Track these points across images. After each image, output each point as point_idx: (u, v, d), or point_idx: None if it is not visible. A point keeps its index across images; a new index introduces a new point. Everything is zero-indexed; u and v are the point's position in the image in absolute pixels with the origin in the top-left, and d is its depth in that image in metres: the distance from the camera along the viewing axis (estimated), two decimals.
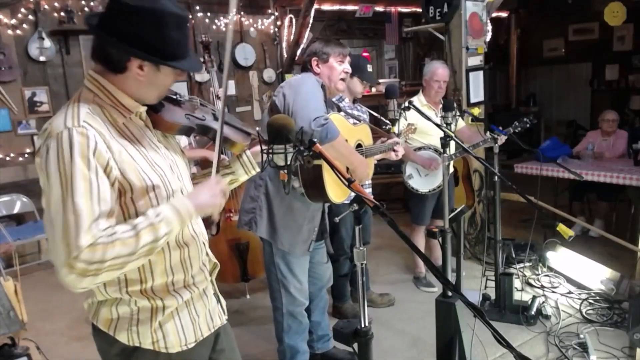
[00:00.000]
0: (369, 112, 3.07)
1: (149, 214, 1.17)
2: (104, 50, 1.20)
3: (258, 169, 1.57)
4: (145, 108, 1.30)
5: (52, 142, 1.11)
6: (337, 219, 1.82)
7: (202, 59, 3.76)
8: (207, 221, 1.47)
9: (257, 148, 1.51)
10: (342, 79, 2.41)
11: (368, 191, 3.33)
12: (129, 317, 1.27)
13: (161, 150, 1.33)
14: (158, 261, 1.27)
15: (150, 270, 1.27)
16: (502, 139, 3.19)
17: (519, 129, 3.30)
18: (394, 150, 2.62)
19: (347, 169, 2.37)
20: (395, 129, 2.60)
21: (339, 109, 2.61)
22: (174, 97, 1.41)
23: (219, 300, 1.51)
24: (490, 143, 3.27)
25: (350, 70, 2.44)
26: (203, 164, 3.42)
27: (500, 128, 3.22)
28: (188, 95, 1.46)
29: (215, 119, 1.47)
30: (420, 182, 3.54)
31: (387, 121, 2.51)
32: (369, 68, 3.15)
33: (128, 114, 1.24)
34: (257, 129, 1.58)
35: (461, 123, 3.70)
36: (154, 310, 1.29)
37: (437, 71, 3.53)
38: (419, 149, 3.52)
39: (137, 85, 1.23)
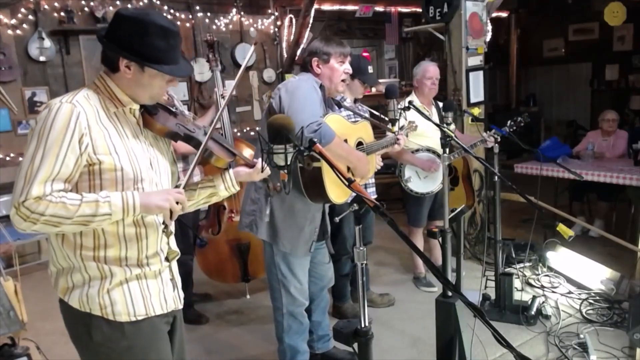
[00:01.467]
0: (370, 112, 3.06)
1: (100, 193, 1.34)
2: (104, 52, 1.44)
3: (238, 188, 1.68)
4: (138, 106, 1.48)
5: (45, 111, 1.33)
6: (337, 219, 1.82)
7: (206, 58, 3.77)
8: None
9: (240, 169, 1.64)
10: (343, 80, 2.40)
11: (371, 191, 3.33)
12: (81, 285, 1.42)
13: (144, 145, 1.49)
14: (109, 231, 1.40)
15: (104, 237, 1.40)
16: (492, 140, 3.20)
17: (514, 127, 3.31)
18: (396, 141, 2.62)
19: (348, 168, 2.37)
20: (395, 129, 2.60)
21: (340, 106, 2.60)
22: (172, 108, 1.57)
23: (175, 287, 1.59)
24: (487, 144, 3.27)
25: (351, 71, 2.43)
26: (203, 163, 3.43)
27: (500, 128, 3.22)
28: (188, 111, 1.59)
29: (205, 133, 1.58)
30: (420, 184, 3.54)
31: (388, 119, 2.50)
32: (370, 69, 3.13)
33: (120, 106, 1.44)
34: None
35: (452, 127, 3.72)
36: (103, 278, 1.41)
37: (429, 68, 3.55)
38: (416, 151, 3.52)
39: (128, 84, 1.43)
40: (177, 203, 1.38)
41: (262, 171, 1.59)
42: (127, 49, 1.37)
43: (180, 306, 1.63)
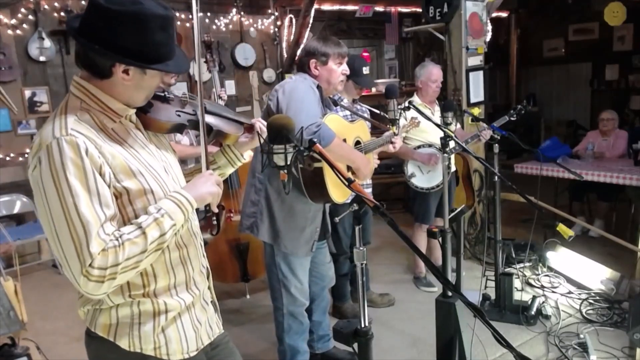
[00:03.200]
0: (370, 110, 3.06)
1: (150, 210, 1.17)
2: (87, 57, 1.18)
3: (243, 160, 1.59)
4: (134, 110, 1.29)
5: (43, 154, 1.10)
6: (337, 219, 1.82)
7: (203, 59, 3.75)
8: (209, 222, 1.47)
9: (241, 139, 1.54)
10: (341, 80, 2.39)
11: (368, 191, 3.33)
12: (129, 321, 1.25)
13: (154, 152, 1.32)
14: (158, 262, 1.25)
15: (152, 272, 1.25)
16: (489, 132, 3.20)
17: (514, 117, 3.32)
18: (391, 143, 2.63)
19: (349, 168, 2.37)
20: (395, 129, 2.60)
21: (335, 104, 2.60)
22: (162, 94, 1.39)
23: (216, 309, 1.51)
24: (480, 139, 3.27)
25: (348, 72, 2.41)
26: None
27: (497, 125, 3.21)
28: (188, 92, 1.46)
29: (207, 111, 1.46)
30: (424, 180, 3.55)
31: (388, 119, 2.50)
32: (366, 70, 3.09)
33: (117, 118, 1.23)
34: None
35: (457, 126, 3.72)
36: (156, 314, 1.27)
37: (433, 71, 3.59)
38: (418, 147, 3.53)
39: (124, 89, 1.21)
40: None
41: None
42: (127, 53, 1.14)
43: (222, 330, 1.51)
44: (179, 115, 1.38)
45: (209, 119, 1.44)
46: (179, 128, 1.39)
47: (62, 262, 1.10)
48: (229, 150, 1.55)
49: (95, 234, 1.08)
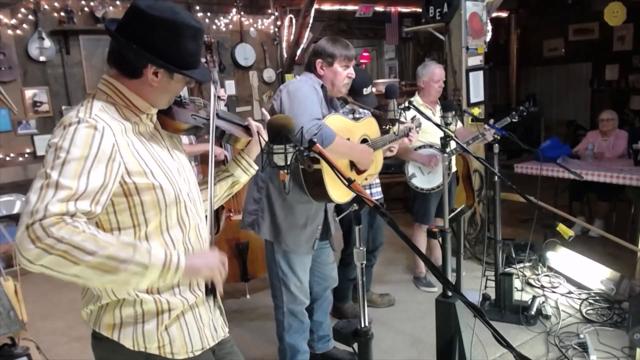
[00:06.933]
0: (371, 111, 3.05)
1: (142, 241, 1.16)
2: (121, 55, 1.25)
3: (256, 168, 1.61)
4: (156, 110, 1.35)
5: (60, 129, 1.14)
6: (337, 219, 1.82)
7: (204, 60, 3.75)
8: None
9: (250, 146, 1.58)
10: (346, 83, 2.38)
11: (376, 191, 3.33)
12: (133, 320, 1.26)
13: (169, 152, 1.37)
14: None
15: None
16: (491, 132, 3.19)
17: (516, 118, 3.31)
18: (409, 135, 2.63)
19: (353, 165, 2.37)
20: (395, 129, 2.60)
21: (346, 102, 2.59)
22: (179, 99, 1.47)
23: (222, 313, 1.51)
24: (485, 139, 3.27)
25: (354, 75, 2.40)
26: (204, 158, 3.44)
27: (498, 126, 3.21)
28: (189, 96, 1.52)
29: (219, 117, 1.53)
30: (424, 180, 3.55)
31: (388, 119, 2.50)
32: (366, 91, 2.93)
33: (140, 114, 1.29)
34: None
35: (459, 125, 3.72)
36: (159, 313, 1.28)
37: (436, 71, 3.57)
38: (419, 147, 3.53)
39: (150, 91, 1.28)
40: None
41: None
42: (160, 55, 1.22)
43: (227, 334, 1.52)
44: (195, 119, 1.45)
45: (222, 123, 1.50)
46: (195, 130, 1.45)
47: (24, 209, 1.04)
48: (241, 159, 1.59)
49: (62, 198, 1.03)
